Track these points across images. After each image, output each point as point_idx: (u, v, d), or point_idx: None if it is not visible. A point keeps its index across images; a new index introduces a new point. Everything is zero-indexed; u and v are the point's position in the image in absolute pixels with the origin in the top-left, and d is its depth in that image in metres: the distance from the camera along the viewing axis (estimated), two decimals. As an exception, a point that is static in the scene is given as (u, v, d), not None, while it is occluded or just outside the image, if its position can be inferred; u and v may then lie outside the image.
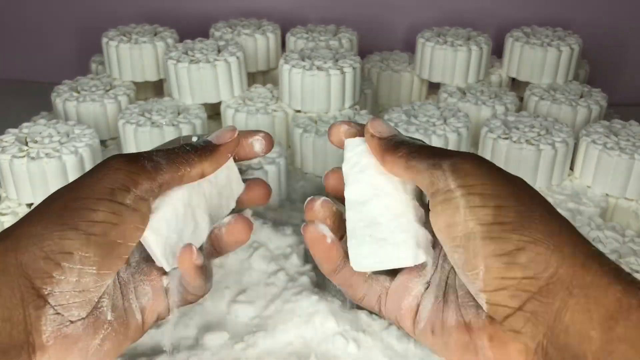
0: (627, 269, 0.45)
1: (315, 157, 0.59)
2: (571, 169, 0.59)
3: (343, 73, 0.61)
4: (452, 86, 0.70)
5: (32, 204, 0.53)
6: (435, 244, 0.32)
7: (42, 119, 0.64)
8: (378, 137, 0.32)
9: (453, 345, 0.28)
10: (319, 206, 0.34)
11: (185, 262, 0.30)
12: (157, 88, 0.76)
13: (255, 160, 0.52)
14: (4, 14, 0.93)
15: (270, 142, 0.37)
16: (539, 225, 0.26)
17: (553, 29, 0.73)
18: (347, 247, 0.32)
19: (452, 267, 0.30)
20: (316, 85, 0.61)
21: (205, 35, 0.74)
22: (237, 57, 0.65)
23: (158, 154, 0.31)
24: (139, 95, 0.72)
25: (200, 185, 0.34)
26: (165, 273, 0.33)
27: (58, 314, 0.27)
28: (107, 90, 0.68)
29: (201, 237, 0.34)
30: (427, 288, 0.31)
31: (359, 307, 0.37)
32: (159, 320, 0.33)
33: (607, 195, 0.56)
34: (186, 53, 0.65)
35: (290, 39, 0.74)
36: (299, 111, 0.64)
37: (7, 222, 0.52)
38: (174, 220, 0.32)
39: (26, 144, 0.54)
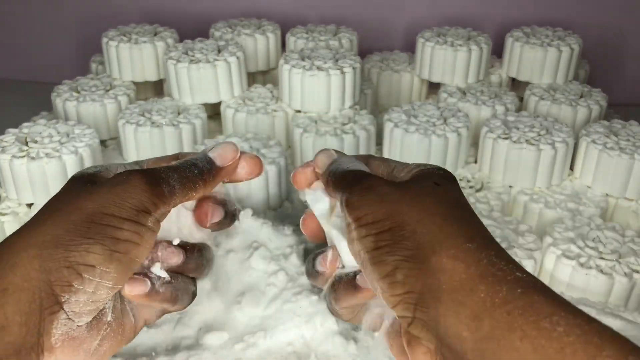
0: (626, 269, 0.45)
1: (315, 157, 0.59)
2: (571, 169, 0.59)
3: (343, 73, 0.61)
4: (452, 86, 0.70)
5: (32, 204, 0.53)
6: None
7: (42, 119, 0.64)
8: (320, 174, 0.34)
9: (396, 350, 0.31)
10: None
11: (130, 294, 0.31)
12: (157, 88, 0.76)
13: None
14: (4, 14, 0.93)
15: (256, 165, 0.36)
16: (408, 242, 0.28)
17: (553, 29, 0.73)
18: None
19: None
20: (316, 85, 0.61)
21: (205, 35, 0.74)
22: (237, 57, 0.65)
23: (173, 176, 0.32)
24: (139, 95, 0.72)
25: None
26: None
27: (69, 319, 0.28)
28: (107, 90, 0.68)
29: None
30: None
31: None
32: (147, 324, 0.34)
33: (607, 195, 0.56)
34: (186, 53, 0.65)
35: (290, 39, 0.74)
36: (299, 111, 0.64)
37: (7, 222, 0.52)
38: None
39: (26, 144, 0.54)
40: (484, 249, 0.27)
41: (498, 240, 0.47)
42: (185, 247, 0.33)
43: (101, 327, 0.30)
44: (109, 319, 0.30)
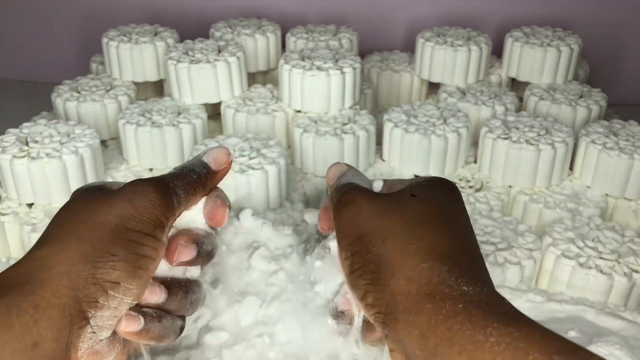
0: (626, 269, 0.45)
1: (315, 157, 0.59)
2: (571, 169, 0.59)
3: (343, 73, 0.61)
4: (452, 86, 0.70)
5: (32, 204, 0.53)
6: None
7: (42, 119, 0.64)
8: (330, 186, 0.36)
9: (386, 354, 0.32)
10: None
11: (125, 330, 0.31)
12: (158, 88, 0.76)
13: (255, 160, 0.53)
14: (4, 14, 0.93)
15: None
16: (372, 265, 0.30)
17: (553, 29, 0.73)
18: None
19: None
20: (316, 86, 0.61)
21: (205, 35, 0.74)
22: (237, 57, 0.65)
23: (178, 184, 0.33)
24: (139, 95, 0.72)
25: None
26: None
27: (94, 332, 0.29)
28: (108, 91, 0.68)
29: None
30: None
31: None
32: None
33: (606, 195, 0.56)
34: (186, 53, 0.65)
35: (290, 39, 0.74)
36: (299, 111, 0.64)
37: (7, 222, 0.52)
38: None
39: (27, 144, 0.54)
40: (437, 267, 0.29)
41: (497, 240, 0.48)
42: (170, 284, 0.32)
43: (116, 342, 0.31)
44: (120, 335, 0.31)
